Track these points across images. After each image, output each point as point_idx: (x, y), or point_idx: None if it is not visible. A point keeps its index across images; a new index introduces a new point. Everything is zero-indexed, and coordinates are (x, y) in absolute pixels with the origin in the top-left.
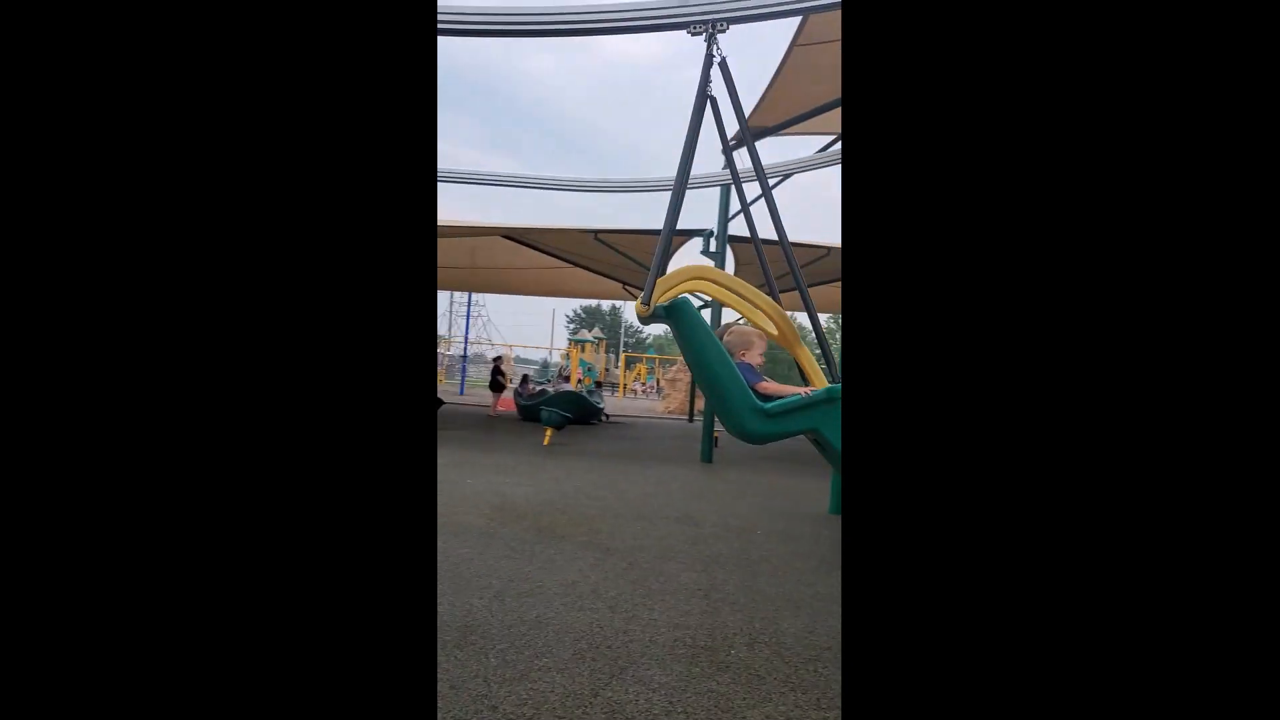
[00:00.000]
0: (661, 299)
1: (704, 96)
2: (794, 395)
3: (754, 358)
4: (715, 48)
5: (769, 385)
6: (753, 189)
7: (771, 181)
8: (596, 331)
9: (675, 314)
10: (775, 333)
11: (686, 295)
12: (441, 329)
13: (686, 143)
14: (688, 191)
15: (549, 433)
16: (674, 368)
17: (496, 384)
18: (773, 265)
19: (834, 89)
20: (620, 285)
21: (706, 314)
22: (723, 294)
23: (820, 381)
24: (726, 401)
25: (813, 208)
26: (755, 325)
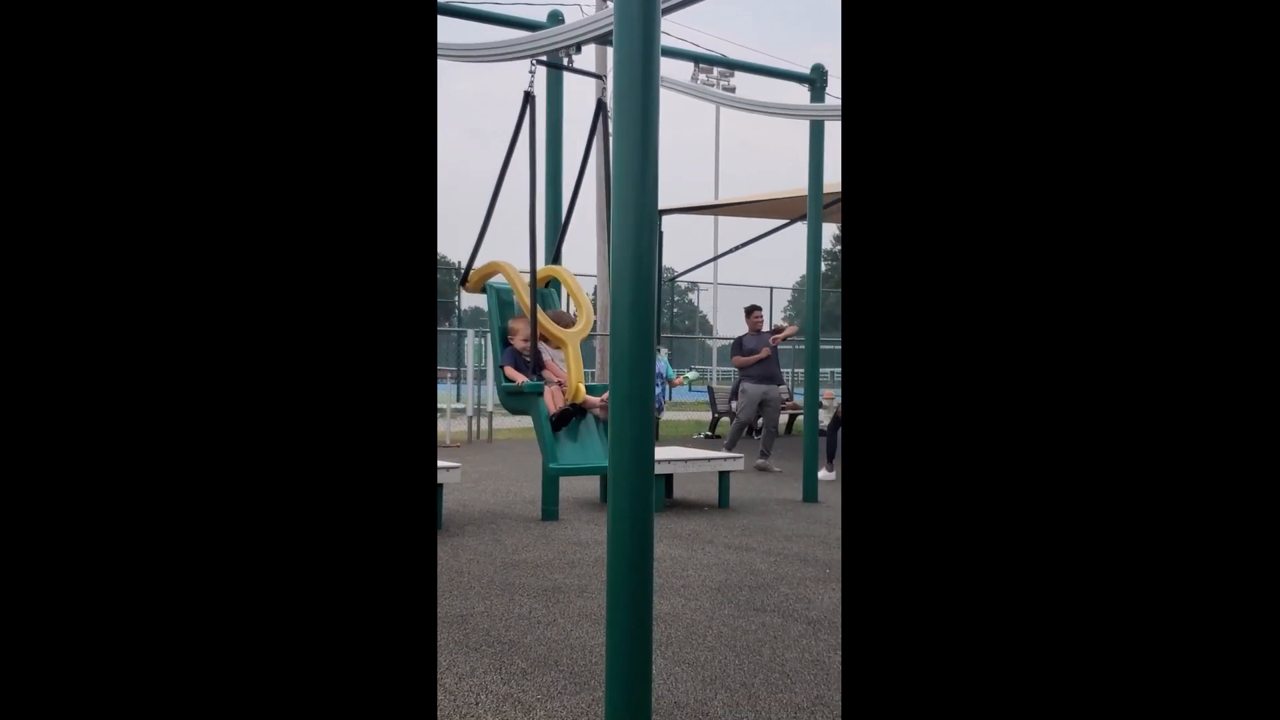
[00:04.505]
0: (476, 280)
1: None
2: (517, 382)
3: (517, 342)
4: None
5: (508, 369)
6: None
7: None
8: None
9: (487, 296)
10: (552, 328)
11: (491, 282)
12: None
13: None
14: None
15: None
16: None
17: None
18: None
19: None
20: None
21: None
22: (512, 281)
23: (573, 381)
24: (495, 377)
25: None
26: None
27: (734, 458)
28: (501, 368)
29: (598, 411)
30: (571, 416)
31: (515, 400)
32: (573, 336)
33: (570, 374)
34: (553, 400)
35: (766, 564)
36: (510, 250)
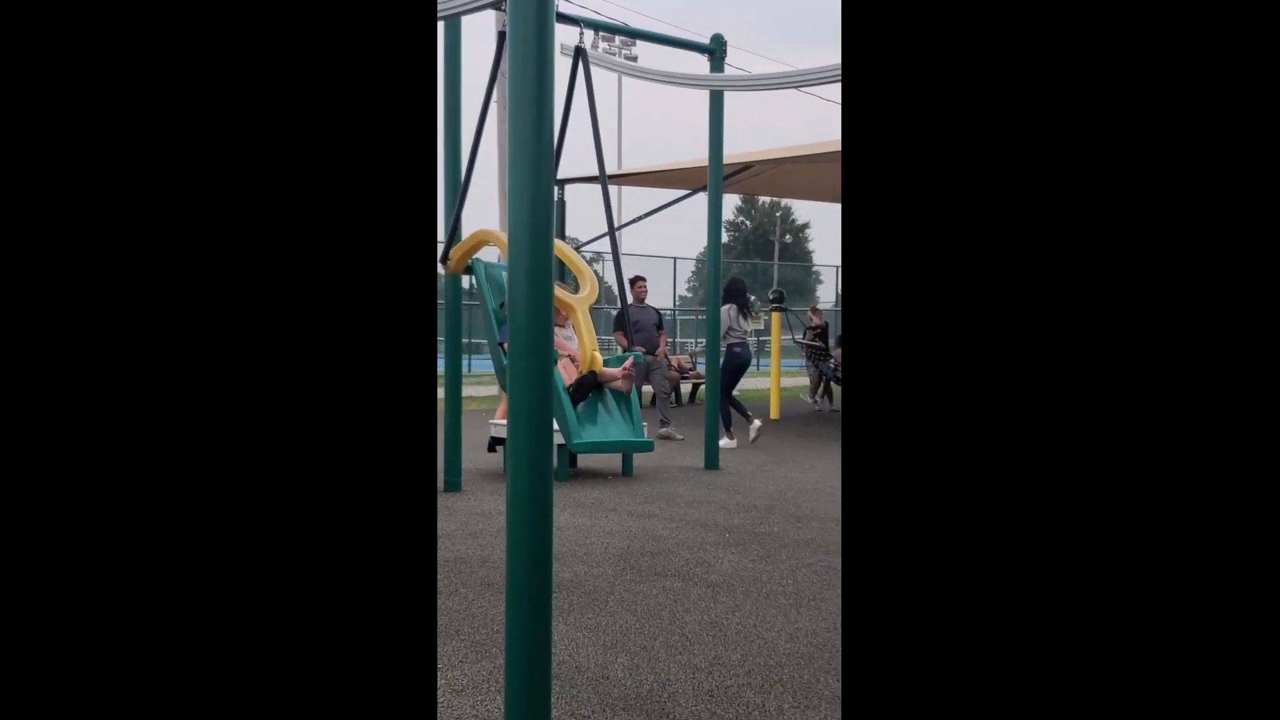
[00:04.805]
0: (459, 258)
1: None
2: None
3: None
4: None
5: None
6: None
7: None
8: None
9: (474, 274)
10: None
11: (478, 259)
12: None
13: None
14: None
15: None
16: None
17: None
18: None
19: None
20: None
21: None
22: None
23: (587, 349)
24: (492, 355)
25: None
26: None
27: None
28: (501, 345)
29: (620, 384)
30: (591, 386)
31: None
32: (581, 302)
33: (583, 342)
34: (565, 373)
35: (668, 530)
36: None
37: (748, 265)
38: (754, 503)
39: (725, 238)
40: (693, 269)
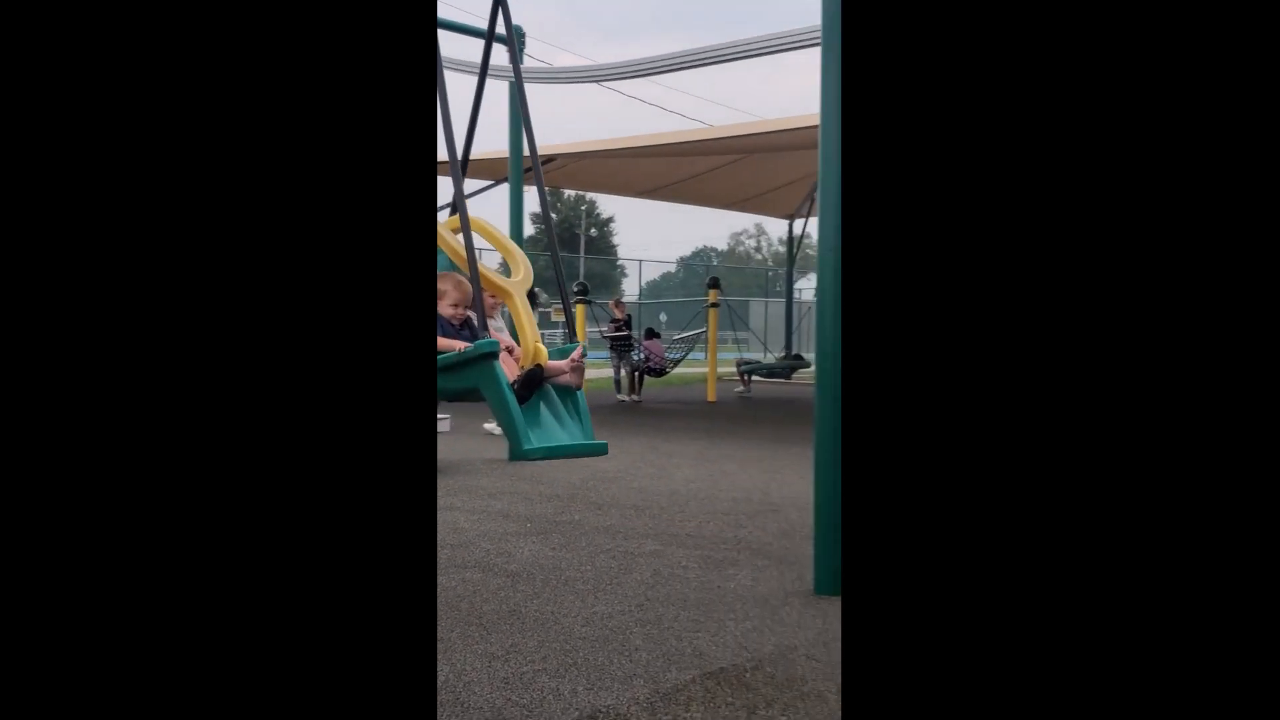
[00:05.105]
0: None
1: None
2: (453, 351)
3: (443, 308)
4: None
5: (439, 342)
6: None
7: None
8: None
9: None
10: (497, 282)
11: None
12: None
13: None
14: None
15: None
16: None
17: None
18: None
19: None
20: None
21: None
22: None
23: (529, 340)
24: None
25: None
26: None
27: (440, 418)
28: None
29: (568, 377)
30: (539, 382)
31: (456, 376)
32: (517, 286)
33: (524, 331)
34: (507, 368)
35: (470, 522)
36: None
37: None
38: (556, 492)
39: (531, 229)
40: (499, 261)
